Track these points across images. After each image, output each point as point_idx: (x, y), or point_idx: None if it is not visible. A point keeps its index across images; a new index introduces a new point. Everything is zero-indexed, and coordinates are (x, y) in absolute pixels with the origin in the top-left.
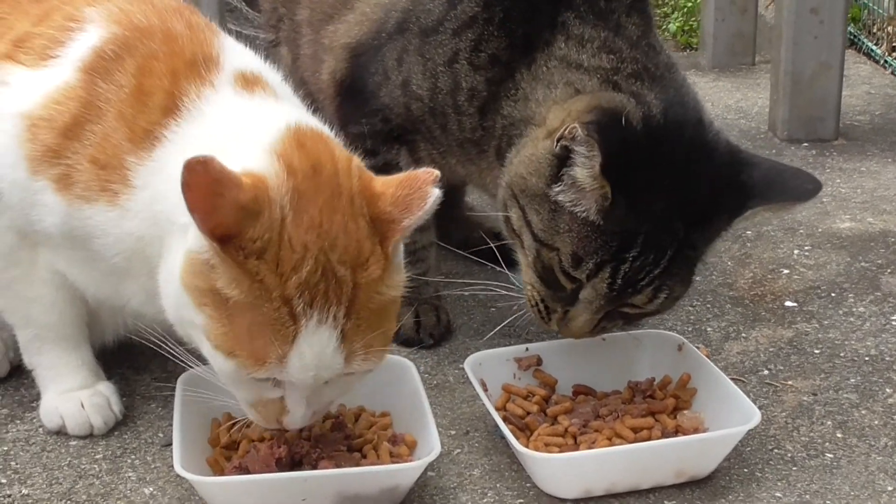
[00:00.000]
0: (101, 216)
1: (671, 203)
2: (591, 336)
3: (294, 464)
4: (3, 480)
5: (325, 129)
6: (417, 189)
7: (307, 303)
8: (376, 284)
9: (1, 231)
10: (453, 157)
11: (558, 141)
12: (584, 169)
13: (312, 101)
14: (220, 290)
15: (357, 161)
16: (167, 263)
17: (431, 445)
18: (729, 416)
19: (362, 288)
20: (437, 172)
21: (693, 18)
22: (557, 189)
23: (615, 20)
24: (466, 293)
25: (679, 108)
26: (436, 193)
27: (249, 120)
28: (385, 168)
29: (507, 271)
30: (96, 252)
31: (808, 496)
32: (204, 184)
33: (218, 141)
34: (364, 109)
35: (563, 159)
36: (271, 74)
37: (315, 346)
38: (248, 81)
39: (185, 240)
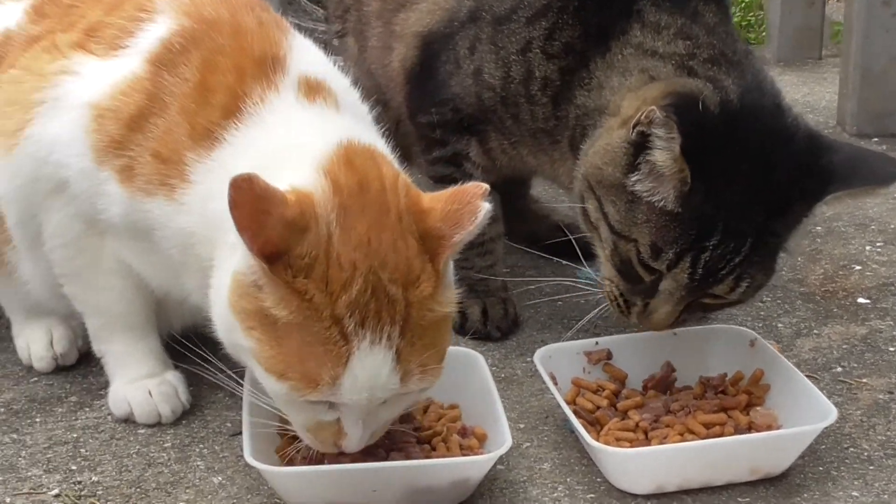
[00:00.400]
0: (159, 210)
1: (750, 189)
2: (672, 328)
3: (364, 455)
4: (74, 467)
5: (380, 146)
6: (467, 203)
7: (358, 322)
8: (429, 302)
9: (69, 219)
10: (525, 147)
11: (634, 127)
12: (663, 152)
13: (378, 93)
14: (269, 311)
15: (405, 178)
16: (216, 280)
17: (502, 438)
18: (803, 414)
19: (415, 306)
20: (486, 186)
21: (751, 13)
22: (634, 178)
23: (692, 7)
24: (533, 286)
25: (757, 93)
26: (486, 207)
27: (304, 132)
28: (454, 158)
29: (581, 265)
30: (156, 244)
31: (886, 496)
32: (250, 201)
33: (271, 150)
34: (434, 99)
35: (639, 147)
36: (337, 79)
37: (369, 367)
38: (311, 89)
39: (232, 256)
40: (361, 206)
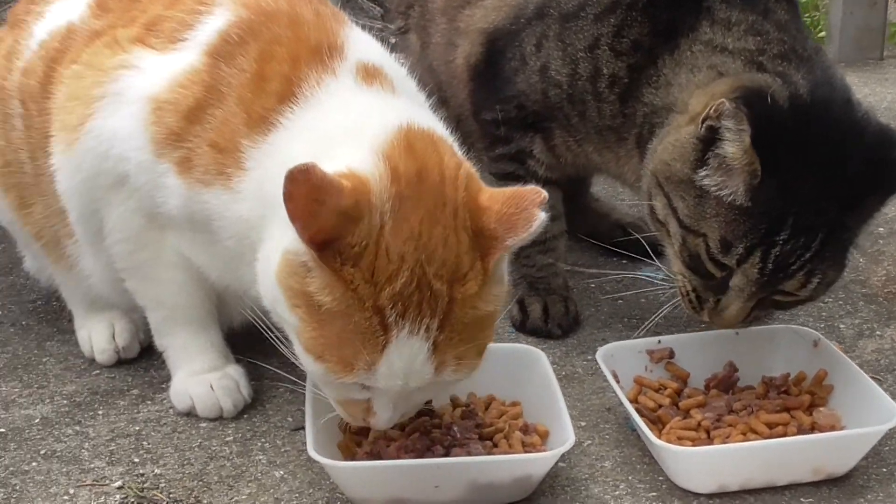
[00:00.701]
0: (216, 200)
1: (821, 183)
2: (743, 326)
3: (425, 451)
4: (136, 459)
5: (440, 130)
6: (524, 209)
7: (399, 314)
8: (473, 300)
9: (130, 214)
10: (590, 144)
11: (703, 122)
12: (733, 144)
13: (439, 90)
14: (313, 295)
15: (468, 168)
16: (265, 249)
17: (565, 435)
18: (867, 415)
19: (458, 302)
20: (544, 194)
21: (807, 13)
22: (703, 173)
23: (763, 4)
24: (593, 285)
25: (827, 87)
26: (542, 217)
27: (363, 114)
28: (518, 155)
29: (643, 264)
30: (214, 235)
31: None
32: (305, 193)
33: (329, 132)
34: (498, 95)
35: (708, 142)
36: (394, 68)
37: (405, 357)
38: (369, 74)
39: (285, 234)
40: (418, 197)
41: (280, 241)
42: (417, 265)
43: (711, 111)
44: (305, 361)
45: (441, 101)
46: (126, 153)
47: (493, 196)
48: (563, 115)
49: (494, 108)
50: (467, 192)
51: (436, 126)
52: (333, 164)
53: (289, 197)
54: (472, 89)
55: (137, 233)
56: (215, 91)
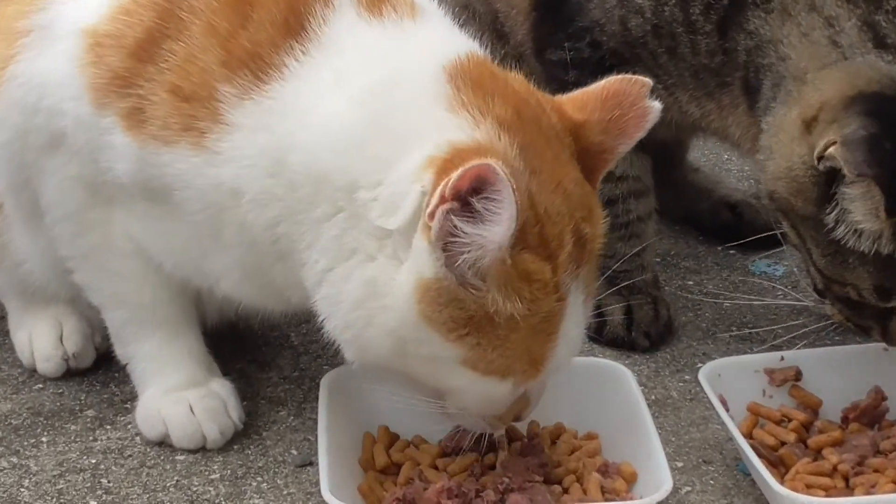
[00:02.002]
0: (182, 162)
1: None
2: None
3: (473, 496)
4: (93, 503)
5: (476, 46)
6: (631, 107)
7: (570, 275)
8: (600, 230)
9: (69, 184)
10: (684, 91)
11: (819, 160)
12: (860, 213)
13: (496, 21)
14: (496, 311)
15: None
16: (353, 276)
17: (658, 480)
18: None
19: (595, 239)
20: (647, 80)
21: None
22: (832, 216)
23: None
24: (691, 282)
25: None
26: (657, 107)
27: (394, 56)
28: None
29: (756, 256)
30: (175, 208)
31: None
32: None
33: (379, 94)
34: (567, 29)
35: (831, 175)
36: None
37: (575, 321)
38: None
39: (399, 260)
40: (532, 140)
41: (389, 268)
42: (572, 217)
43: (826, 153)
44: (482, 389)
45: (497, 34)
46: (60, 105)
47: (582, 104)
48: (647, 53)
49: (562, 46)
50: (555, 110)
51: (471, 44)
52: (419, 138)
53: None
54: (534, 22)
55: (78, 210)
56: (172, 18)
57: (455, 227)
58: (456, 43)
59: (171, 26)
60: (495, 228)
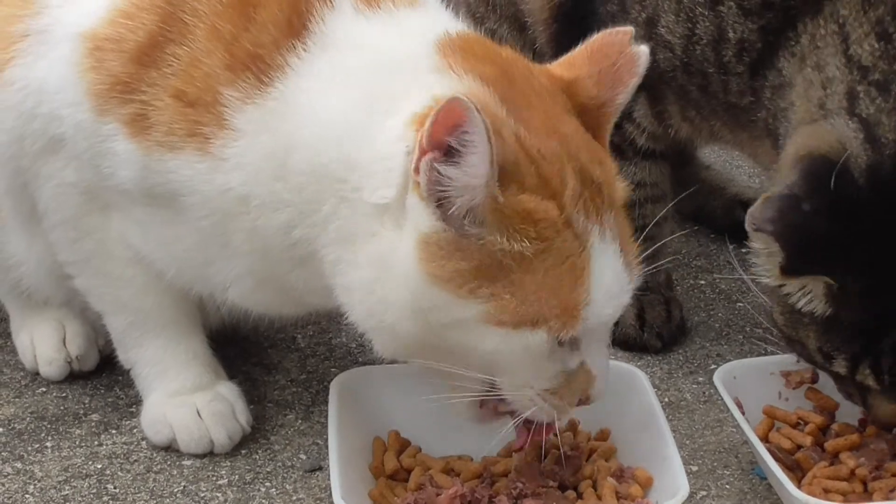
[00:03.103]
0: (187, 169)
1: None
2: None
3: (487, 502)
4: None
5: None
6: (619, 55)
7: (585, 217)
8: (616, 180)
9: (66, 190)
10: (717, 120)
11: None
12: (761, 267)
13: (515, 14)
14: (501, 253)
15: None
16: (359, 260)
17: (674, 485)
18: None
19: (612, 186)
20: (630, 28)
21: None
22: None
23: None
24: (704, 282)
25: None
26: (644, 50)
27: (387, 40)
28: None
29: None
30: (179, 215)
31: None
32: (487, 123)
33: (366, 72)
34: None
35: None
36: None
37: (610, 266)
38: None
39: (400, 228)
40: (521, 94)
41: (380, 231)
42: (572, 157)
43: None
44: (517, 344)
45: (518, 26)
46: (58, 111)
47: (570, 63)
48: (677, 86)
49: None
50: (545, 74)
51: (469, 29)
52: (407, 103)
53: (491, 137)
54: (555, 33)
55: (76, 216)
56: (175, 21)
57: (440, 174)
58: (448, 23)
59: (174, 30)
60: (475, 160)
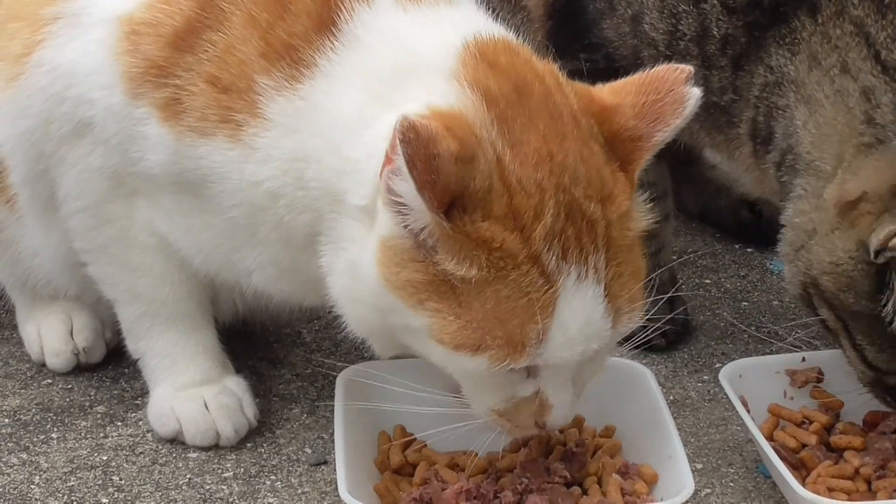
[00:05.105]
0: (218, 155)
1: None
2: None
3: (492, 498)
4: (104, 500)
5: (512, 37)
6: (668, 91)
7: (559, 256)
8: (626, 220)
9: (90, 175)
10: (695, 121)
11: (878, 253)
12: None
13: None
14: (449, 275)
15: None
16: (337, 259)
17: (679, 482)
18: None
19: (615, 226)
20: (689, 68)
21: None
22: (889, 306)
23: None
24: (709, 281)
25: None
26: (696, 94)
27: (415, 41)
28: None
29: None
30: (209, 203)
31: None
32: (424, 153)
33: (382, 71)
34: (581, 41)
35: (884, 265)
36: None
37: (580, 311)
38: None
39: (370, 227)
40: (527, 114)
41: (361, 235)
42: (561, 190)
43: (888, 244)
44: (458, 364)
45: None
46: (89, 94)
47: (618, 90)
48: None
49: (578, 57)
50: (579, 95)
51: (506, 34)
52: (404, 106)
53: (411, 164)
54: (550, 29)
55: (98, 202)
56: (213, 8)
57: (393, 186)
58: (482, 25)
59: (211, 16)
60: (407, 186)
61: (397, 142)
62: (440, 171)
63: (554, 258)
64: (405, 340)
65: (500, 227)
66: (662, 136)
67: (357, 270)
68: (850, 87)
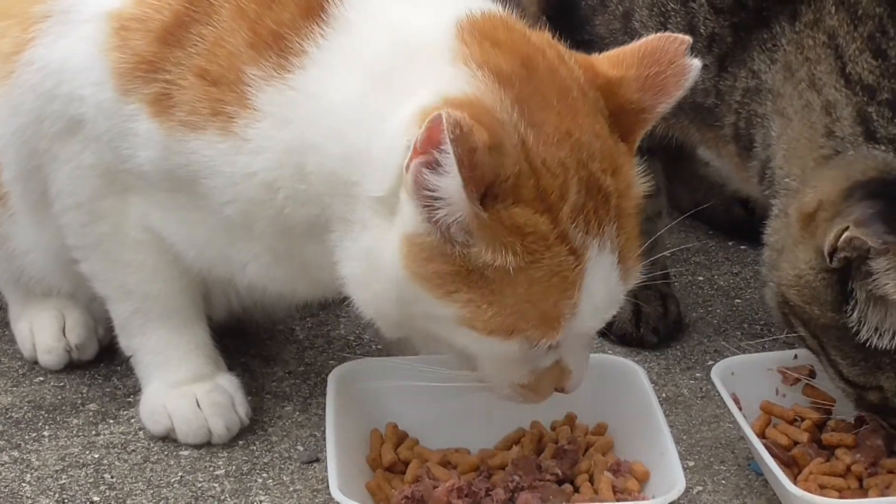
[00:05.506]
0: (209, 149)
1: None
2: None
3: (483, 495)
4: (96, 498)
5: (502, 9)
6: (670, 64)
7: (584, 231)
8: (631, 188)
9: (83, 172)
10: (685, 117)
11: (832, 256)
12: (892, 286)
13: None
14: (482, 265)
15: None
16: (354, 248)
17: (671, 480)
18: None
19: (623, 196)
20: (687, 38)
21: None
22: (854, 315)
23: None
24: (702, 278)
25: None
26: (696, 65)
27: (409, 20)
28: None
29: None
30: (202, 199)
31: None
32: (468, 148)
33: (380, 57)
34: (575, 38)
35: (844, 273)
36: None
37: (603, 280)
38: None
39: (387, 217)
40: (539, 92)
41: (377, 224)
42: (581, 167)
43: (838, 243)
44: (489, 349)
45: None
46: (80, 91)
47: (619, 60)
48: None
49: None
50: (582, 66)
51: (495, 7)
52: (418, 96)
53: (461, 163)
54: (543, 25)
55: (91, 199)
56: (201, 1)
57: (426, 180)
58: (476, 2)
59: (199, 10)
60: (450, 181)
61: (434, 136)
62: (478, 164)
63: (580, 234)
64: (425, 326)
65: (530, 210)
66: (664, 107)
67: (374, 261)
68: (814, 102)
